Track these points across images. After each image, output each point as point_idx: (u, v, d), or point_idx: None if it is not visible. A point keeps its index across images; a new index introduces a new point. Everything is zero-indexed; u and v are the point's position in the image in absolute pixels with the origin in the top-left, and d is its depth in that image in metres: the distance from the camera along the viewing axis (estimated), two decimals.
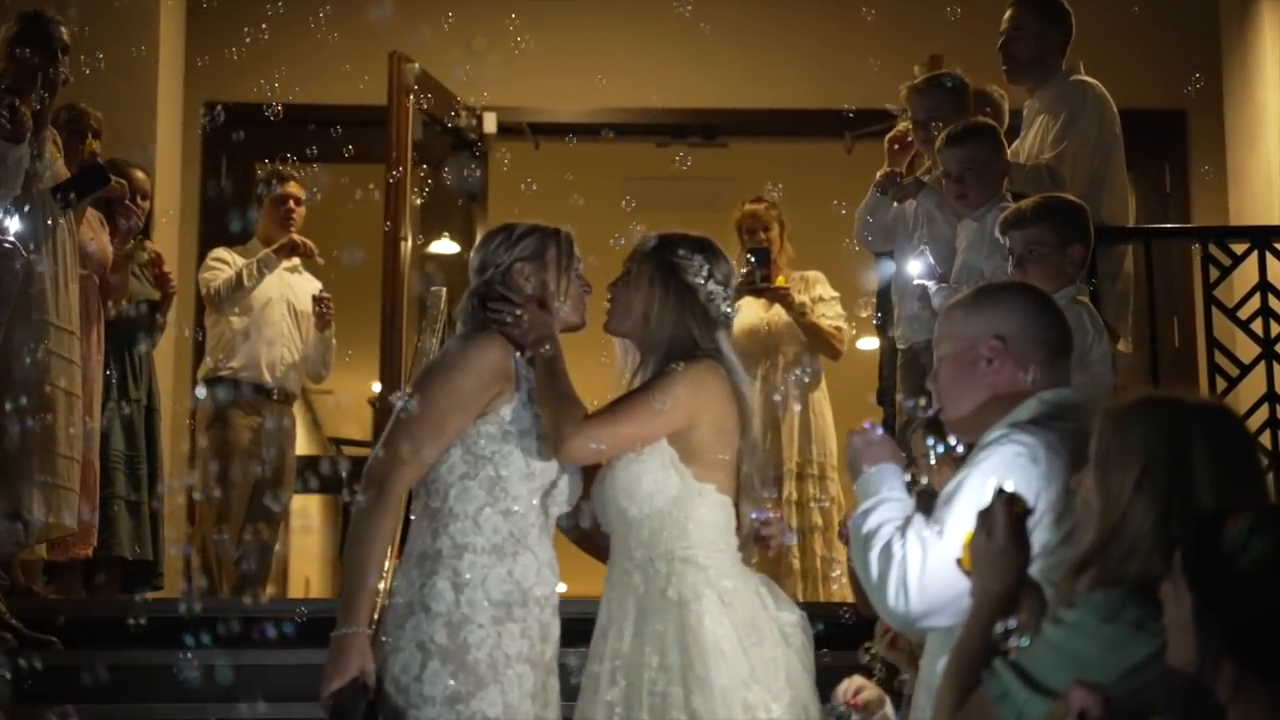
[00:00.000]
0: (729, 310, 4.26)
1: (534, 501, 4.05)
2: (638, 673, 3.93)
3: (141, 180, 7.31)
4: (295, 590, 12.64)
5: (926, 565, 3.14)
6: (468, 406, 4.01)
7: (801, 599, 7.23)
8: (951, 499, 3.22)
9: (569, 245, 4.23)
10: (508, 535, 4.01)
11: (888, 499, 3.31)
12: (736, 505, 4.12)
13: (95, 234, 6.92)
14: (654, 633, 3.95)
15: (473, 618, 3.91)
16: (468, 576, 3.94)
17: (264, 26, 6.12)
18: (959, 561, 2.95)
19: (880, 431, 3.44)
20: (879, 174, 6.64)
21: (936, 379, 3.48)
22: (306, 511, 13.29)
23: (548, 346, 4.08)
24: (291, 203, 7.76)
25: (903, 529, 3.20)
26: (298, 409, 11.94)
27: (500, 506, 4.01)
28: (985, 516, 2.86)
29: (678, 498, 4.03)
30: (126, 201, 7.06)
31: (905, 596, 3.15)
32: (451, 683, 3.87)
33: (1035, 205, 5.37)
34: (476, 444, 4.02)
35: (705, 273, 4.21)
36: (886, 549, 3.19)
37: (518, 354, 4.09)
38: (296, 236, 7.71)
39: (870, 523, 3.26)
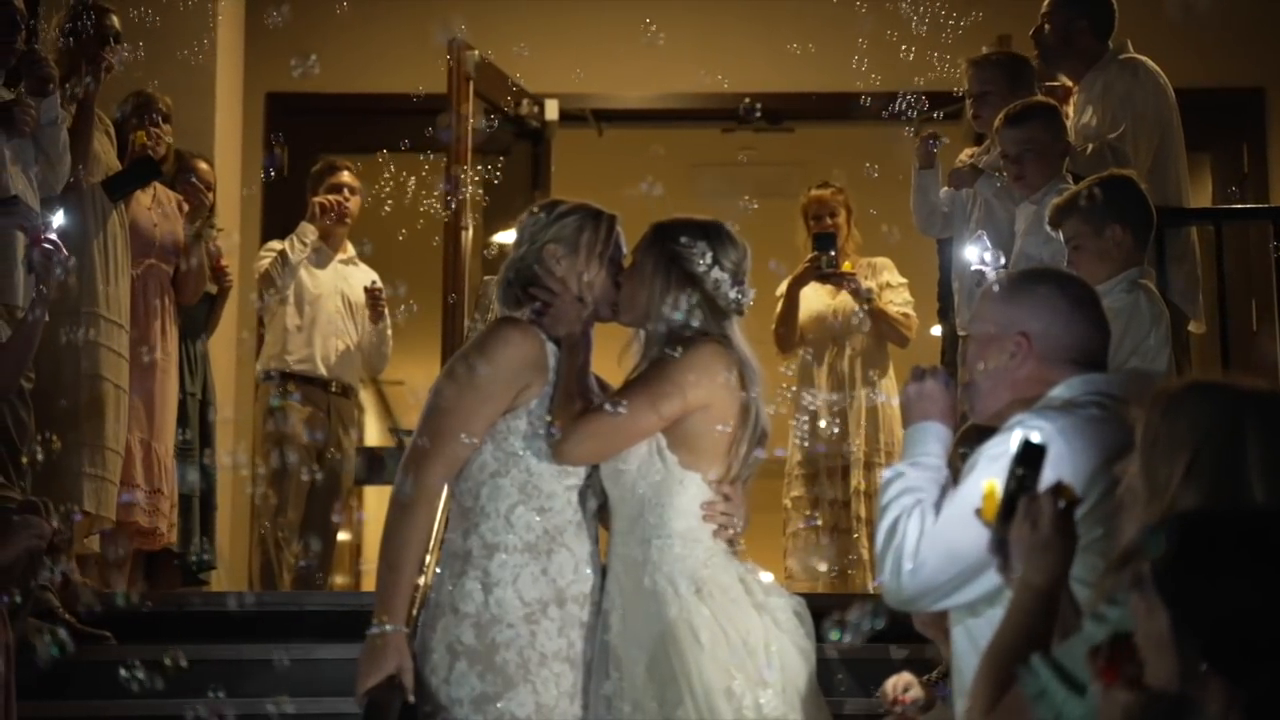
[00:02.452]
0: (739, 298, 4.08)
1: (570, 498, 3.97)
2: (625, 666, 3.85)
3: (205, 171, 7.29)
4: (369, 582, 12.62)
5: (920, 549, 3.09)
6: (496, 396, 3.92)
7: (870, 590, 7.14)
8: (958, 485, 3.15)
9: (608, 231, 4.10)
10: (542, 533, 3.92)
11: (918, 463, 3.23)
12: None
13: (163, 221, 6.89)
14: (634, 624, 3.87)
15: (502, 618, 3.84)
16: (497, 576, 3.86)
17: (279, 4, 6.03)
18: (978, 512, 2.84)
19: (939, 380, 3.34)
20: (917, 146, 6.53)
21: (965, 356, 3.38)
22: (381, 503, 13.28)
23: (573, 341, 3.98)
24: (345, 192, 7.69)
25: (913, 507, 3.12)
26: (369, 399, 11.98)
27: (534, 504, 3.93)
28: (1030, 507, 2.73)
29: (659, 485, 3.92)
30: (192, 180, 7.03)
31: (899, 577, 3.11)
32: (478, 684, 3.80)
33: (1068, 199, 5.27)
34: (507, 440, 3.94)
35: (709, 260, 4.03)
36: (893, 526, 3.14)
37: (551, 344, 4.00)
38: (323, 198, 7.64)
39: (891, 491, 3.20)
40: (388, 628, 3.80)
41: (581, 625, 3.93)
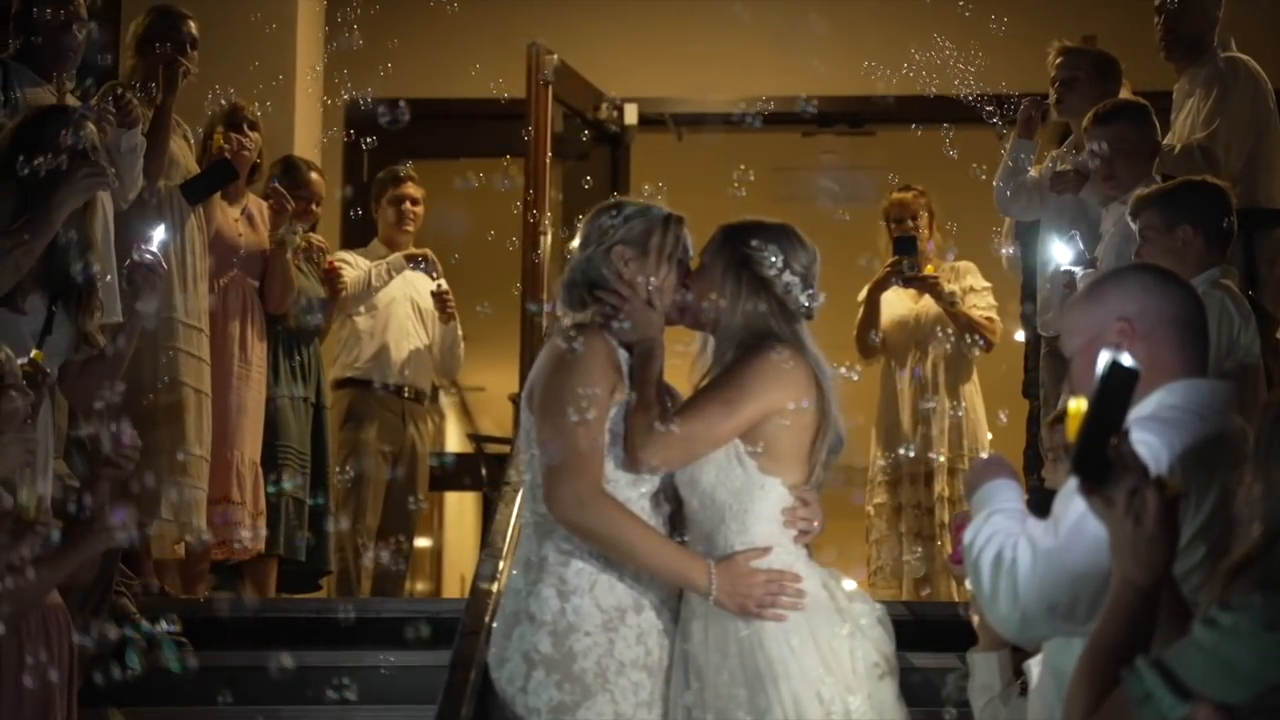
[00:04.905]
0: (809, 302, 3.99)
1: (644, 505, 3.89)
2: (708, 674, 3.79)
3: (315, 182, 7.27)
4: (450, 589, 12.62)
5: (1037, 570, 2.95)
6: (603, 395, 3.83)
7: (955, 597, 7.06)
8: (1067, 500, 3.03)
9: (677, 233, 4.02)
10: None
11: (998, 510, 3.12)
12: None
13: (248, 232, 6.88)
14: (719, 633, 3.80)
15: (579, 626, 3.77)
16: (574, 584, 3.80)
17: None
18: (1061, 431, 2.75)
19: (998, 455, 3.30)
20: (1020, 110, 6.41)
21: (1070, 379, 3.29)
22: (462, 508, 13.29)
23: (649, 347, 3.91)
24: (408, 203, 7.67)
25: (1015, 537, 3.01)
26: (451, 406, 11.96)
27: None
28: (1133, 500, 2.64)
29: (740, 491, 3.84)
30: (275, 185, 7.02)
31: (1016, 603, 2.96)
32: (556, 693, 3.74)
33: (1149, 191, 5.25)
34: None
35: (781, 264, 3.95)
36: (998, 558, 3.00)
37: (623, 350, 3.93)
38: (429, 252, 7.61)
39: (980, 537, 3.08)
40: (714, 584, 3.76)
41: (659, 632, 3.86)
